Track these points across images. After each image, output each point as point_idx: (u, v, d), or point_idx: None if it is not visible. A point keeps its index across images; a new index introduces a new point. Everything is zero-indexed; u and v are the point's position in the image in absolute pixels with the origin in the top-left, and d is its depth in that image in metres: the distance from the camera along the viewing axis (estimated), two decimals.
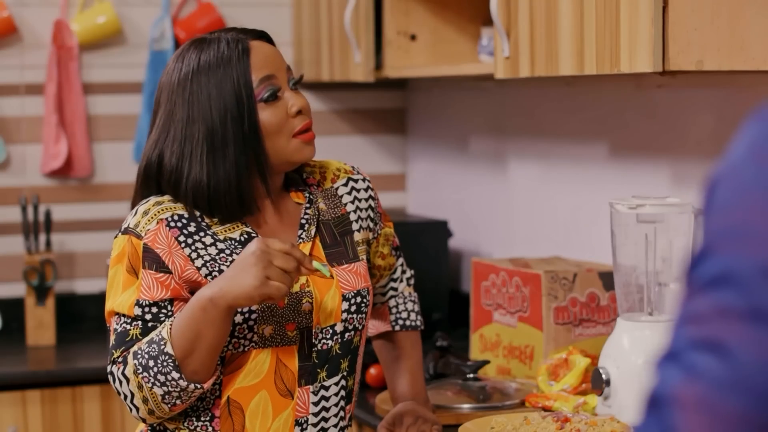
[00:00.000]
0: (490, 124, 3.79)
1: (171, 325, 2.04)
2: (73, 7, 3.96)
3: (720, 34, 2.26)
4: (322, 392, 2.19)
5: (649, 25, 2.37)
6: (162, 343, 2.03)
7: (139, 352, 2.05)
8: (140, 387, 2.05)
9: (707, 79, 2.79)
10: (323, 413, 2.19)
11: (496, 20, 2.85)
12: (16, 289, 3.91)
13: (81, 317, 3.99)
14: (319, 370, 2.18)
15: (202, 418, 2.14)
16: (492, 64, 3.00)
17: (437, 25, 3.60)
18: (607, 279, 2.94)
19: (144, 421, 2.13)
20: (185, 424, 2.15)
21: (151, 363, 2.03)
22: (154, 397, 2.05)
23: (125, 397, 2.08)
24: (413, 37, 3.59)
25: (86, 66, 3.99)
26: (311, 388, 2.17)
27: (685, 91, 2.92)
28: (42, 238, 3.87)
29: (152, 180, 2.16)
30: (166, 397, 2.05)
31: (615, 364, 2.58)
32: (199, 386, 2.05)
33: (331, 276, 2.21)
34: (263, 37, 2.19)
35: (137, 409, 2.07)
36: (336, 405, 2.21)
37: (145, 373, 2.04)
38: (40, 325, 3.79)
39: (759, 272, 0.86)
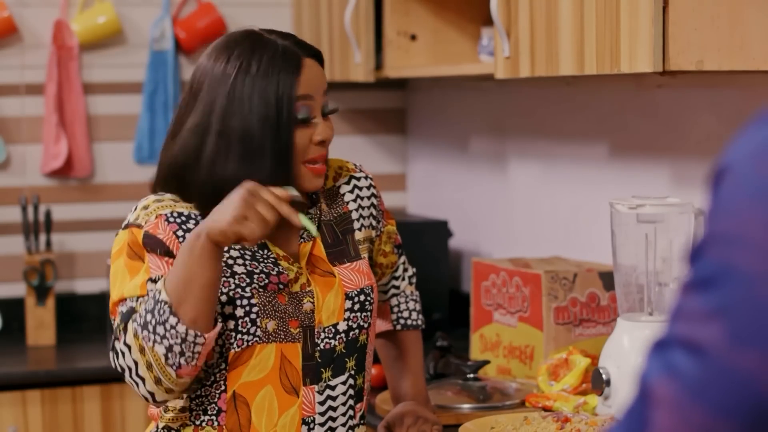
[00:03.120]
0: (490, 124, 3.79)
1: (166, 274, 2.03)
2: (73, 7, 3.96)
3: (720, 34, 2.26)
4: (328, 392, 2.18)
5: (649, 25, 2.37)
6: (157, 292, 1.99)
7: (137, 314, 2.02)
8: (142, 351, 2.00)
9: (707, 79, 2.79)
10: (330, 413, 2.19)
11: (496, 20, 2.85)
12: (16, 289, 3.91)
13: (81, 317, 3.99)
14: (323, 370, 2.17)
15: (209, 413, 2.13)
16: (492, 64, 3.00)
17: (437, 25, 3.60)
18: (607, 279, 2.94)
19: (153, 399, 2.05)
20: (191, 419, 2.14)
21: (149, 317, 1.99)
22: (157, 359, 1.99)
23: (129, 371, 2.02)
24: (413, 37, 3.59)
25: (86, 66, 3.99)
26: (316, 387, 2.17)
27: (685, 91, 2.92)
28: (42, 238, 3.87)
29: (183, 166, 2.13)
30: (169, 355, 1.98)
31: (615, 364, 2.59)
32: (199, 335, 1.98)
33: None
34: (317, 56, 2.17)
35: (143, 380, 2.01)
36: (344, 404, 2.20)
37: (144, 332, 1.99)
38: (40, 325, 3.79)
39: (746, 282, 0.86)
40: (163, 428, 2.18)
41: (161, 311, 1.98)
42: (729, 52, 2.24)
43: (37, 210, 3.82)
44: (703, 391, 0.87)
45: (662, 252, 2.62)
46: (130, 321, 2.03)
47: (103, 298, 3.89)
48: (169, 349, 1.98)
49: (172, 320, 1.97)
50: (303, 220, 2.03)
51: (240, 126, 2.09)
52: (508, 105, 3.70)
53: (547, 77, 2.77)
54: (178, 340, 1.98)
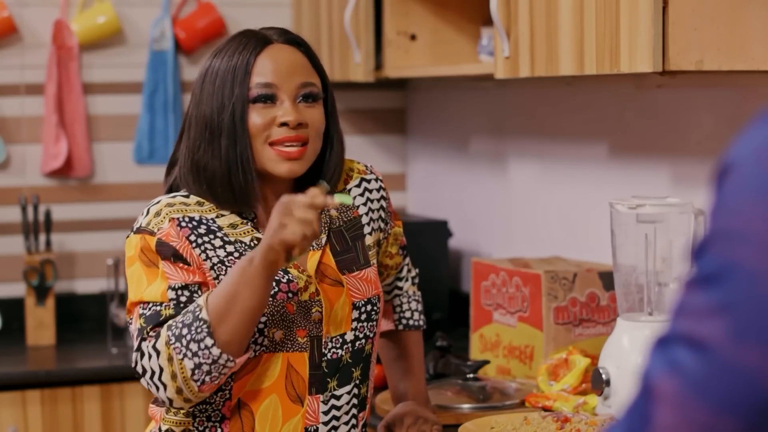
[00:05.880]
0: (490, 124, 3.79)
1: (209, 293, 2.03)
2: (73, 7, 3.97)
3: (720, 34, 2.26)
4: (333, 401, 2.18)
5: (649, 25, 2.37)
6: (197, 309, 2.00)
7: (174, 323, 2.02)
8: (170, 360, 2.01)
9: (707, 79, 2.79)
10: (333, 422, 2.18)
11: (496, 20, 2.85)
12: (16, 289, 3.91)
13: (81, 317, 3.99)
14: (329, 380, 2.17)
15: (212, 419, 2.13)
16: (492, 64, 3.00)
17: (437, 25, 3.60)
18: (607, 279, 2.94)
19: (171, 404, 2.07)
20: (195, 424, 2.14)
21: (185, 331, 2.00)
22: (183, 372, 2.00)
23: (152, 374, 2.03)
24: (413, 37, 3.58)
25: (86, 66, 3.99)
26: (321, 397, 2.16)
27: (685, 91, 2.92)
28: (42, 238, 3.87)
29: (174, 158, 2.22)
30: (196, 371, 2.00)
31: (615, 364, 2.59)
32: (230, 359, 2.01)
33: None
34: (296, 43, 2.17)
35: (164, 386, 2.02)
36: (347, 413, 2.20)
37: (177, 343, 2.00)
38: (40, 325, 3.79)
39: (749, 279, 0.87)
40: (166, 431, 2.18)
41: (198, 329, 1.99)
42: (729, 52, 2.24)
43: (36, 210, 3.82)
44: (706, 388, 0.87)
45: (662, 252, 2.62)
46: (164, 328, 2.03)
47: (103, 298, 3.89)
48: (198, 366, 2.00)
49: (208, 341, 1.99)
50: (338, 198, 2.01)
51: (207, 108, 2.12)
52: (508, 105, 3.70)
53: (547, 77, 2.77)
54: (209, 361, 2.00)
